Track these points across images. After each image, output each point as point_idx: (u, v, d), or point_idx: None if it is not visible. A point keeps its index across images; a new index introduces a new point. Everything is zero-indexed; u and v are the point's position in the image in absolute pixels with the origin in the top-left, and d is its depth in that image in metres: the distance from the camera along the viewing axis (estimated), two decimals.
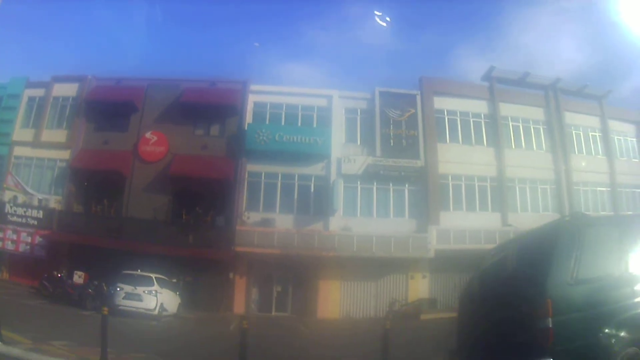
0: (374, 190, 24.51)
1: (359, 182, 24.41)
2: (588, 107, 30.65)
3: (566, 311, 4.99)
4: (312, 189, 24.17)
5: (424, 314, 23.08)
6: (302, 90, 25.57)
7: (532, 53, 63.90)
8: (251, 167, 24.19)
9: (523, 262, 5.96)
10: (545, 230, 5.98)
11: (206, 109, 24.75)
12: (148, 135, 24.68)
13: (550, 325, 4.91)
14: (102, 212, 24.21)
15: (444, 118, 26.42)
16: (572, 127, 29.73)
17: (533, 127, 28.54)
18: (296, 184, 24.20)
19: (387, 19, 27.25)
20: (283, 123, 24.88)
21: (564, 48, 62.78)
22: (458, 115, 26.70)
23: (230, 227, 22.94)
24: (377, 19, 26.25)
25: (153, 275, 18.63)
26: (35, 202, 24.38)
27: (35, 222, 23.88)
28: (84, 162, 24.51)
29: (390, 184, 24.63)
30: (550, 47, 63.85)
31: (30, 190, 24.63)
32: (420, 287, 24.47)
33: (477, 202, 25.79)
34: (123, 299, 17.54)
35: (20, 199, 24.50)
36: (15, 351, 8.44)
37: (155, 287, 18.25)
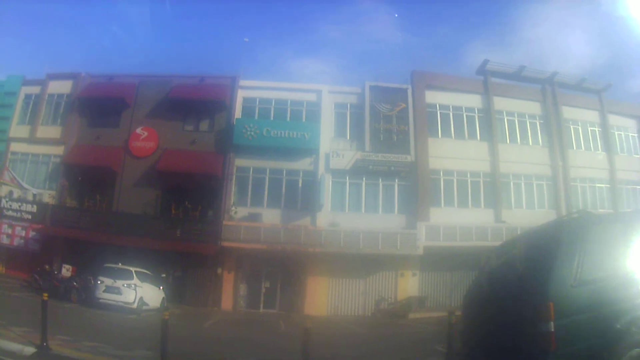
0: (362, 185, 23.68)
1: (347, 177, 23.62)
2: (587, 101, 29.26)
3: (569, 314, 4.73)
4: (300, 184, 23.46)
5: (412, 312, 22.23)
6: (292, 85, 24.90)
7: (536, 49, 62.19)
8: (239, 162, 23.59)
9: (526, 262, 5.67)
10: (549, 229, 5.71)
11: (195, 105, 24.27)
12: (139, 130, 24.31)
13: (552, 329, 4.66)
14: (94, 207, 23.89)
15: (436, 112, 25.41)
16: (570, 122, 28.41)
17: (529, 122, 27.31)
18: (284, 179, 23.52)
19: (395, 15, 26.44)
20: (272, 118, 24.21)
21: (570, 43, 60.88)
22: (451, 109, 25.66)
23: (218, 222, 22.40)
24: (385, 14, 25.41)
25: (133, 269, 18.13)
26: (30, 197, 24.21)
27: (30, 217, 23.68)
28: (76, 157, 24.30)
29: (380, 179, 23.76)
30: (555, 42, 62.04)
31: (25, 185, 24.49)
32: (410, 285, 23.58)
33: (470, 198, 24.74)
34: (103, 292, 17.26)
35: (16, 193, 24.39)
36: None
37: (135, 280, 17.79)
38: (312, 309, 22.59)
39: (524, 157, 26.25)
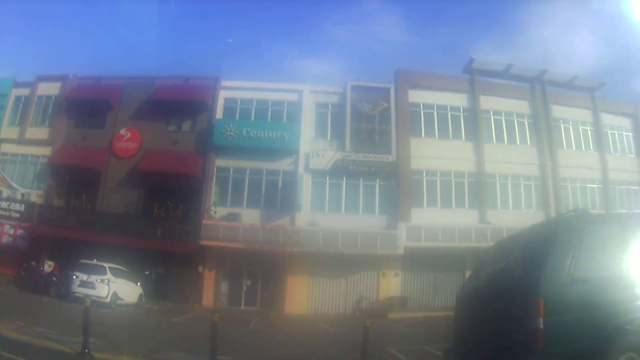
0: (343, 185, 23.02)
1: (327, 178, 22.97)
2: (579, 99, 28.07)
3: (560, 312, 4.53)
4: (280, 184, 22.92)
5: (392, 312, 21.49)
6: (273, 85, 24.29)
7: (540, 49, 60.48)
8: (220, 162, 23.17)
9: (520, 259, 5.42)
10: (545, 227, 5.56)
11: (178, 106, 23.93)
12: (122, 131, 24.08)
13: (542, 326, 4.46)
14: (80, 206, 23.74)
15: (420, 112, 24.57)
16: (561, 121, 27.29)
17: (517, 121, 26.27)
18: (264, 179, 23.00)
19: (398, 15, 25.81)
20: (253, 118, 23.71)
21: (575, 43, 59.10)
22: (435, 108, 24.80)
23: (197, 221, 22.02)
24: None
25: (107, 265, 18.21)
26: (19, 197, 24.18)
27: (18, 215, 23.67)
28: (62, 158, 24.22)
29: (361, 180, 23.07)
30: (559, 43, 60.31)
31: (14, 185, 24.43)
32: (392, 285, 22.92)
33: (454, 198, 23.87)
34: (78, 286, 17.45)
35: (5, 193, 24.33)
36: None
37: (108, 276, 17.89)
38: (292, 307, 22.14)
39: (511, 156, 25.24)
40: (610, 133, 28.55)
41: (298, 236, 21.61)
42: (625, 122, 28.98)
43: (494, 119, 25.70)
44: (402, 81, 24.49)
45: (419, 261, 22.62)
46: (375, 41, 66.48)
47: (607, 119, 28.40)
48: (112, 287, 17.76)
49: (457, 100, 25.20)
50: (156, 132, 23.85)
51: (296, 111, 23.71)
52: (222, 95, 24.04)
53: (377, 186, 23.15)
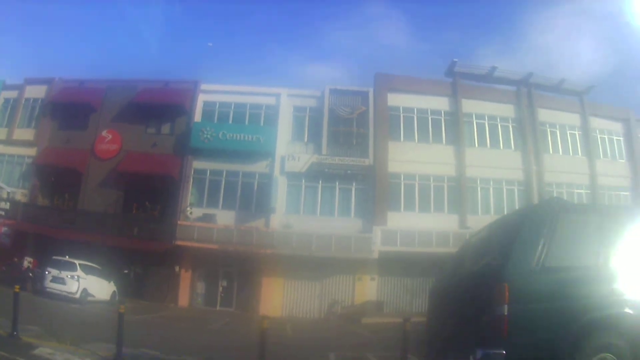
0: (319, 188, 22.53)
1: (303, 180, 22.49)
2: (567, 103, 27.12)
3: (528, 300, 4.18)
4: (256, 187, 22.55)
5: (367, 317, 20.89)
6: (252, 89, 23.92)
7: (544, 55, 59.15)
8: (197, 164, 22.92)
9: (489, 245, 5.19)
10: (518, 213, 5.36)
11: (158, 109, 23.74)
12: (104, 133, 24.04)
13: (506, 313, 4.11)
14: (62, 205, 23.79)
15: (399, 115, 23.95)
16: (548, 125, 26.39)
17: (501, 125, 25.46)
18: (240, 181, 22.66)
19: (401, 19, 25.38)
20: (231, 121, 23.41)
21: (578, 49, 57.58)
22: (415, 112, 24.16)
23: (173, 222, 21.81)
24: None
25: (77, 262, 18.28)
26: (4, 195, 24.26)
27: (3, 213, 23.69)
28: (46, 159, 24.31)
29: (337, 183, 22.55)
30: (563, 49, 58.87)
31: (1, 184, 24.54)
32: (367, 289, 22.31)
33: (432, 202, 23.17)
34: (50, 282, 17.62)
35: None
36: None
37: (79, 272, 17.92)
38: (267, 309, 21.54)
39: (494, 161, 24.43)
40: (600, 137, 27.52)
41: (272, 238, 21.20)
42: (616, 127, 27.94)
43: (476, 123, 24.92)
44: (381, 85, 23.91)
45: (395, 266, 21.95)
46: (378, 47, 65.85)
47: (596, 123, 27.40)
48: (82, 283, 17.81)
49: (439, 103, 24.51)
50: (136, 135, 23.75)
51: (274, 114, 23.33)
52: (201, 98, 23.81)
53: (353, 189, 22.61)
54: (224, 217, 22.02)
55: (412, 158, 23.16)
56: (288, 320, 20.16)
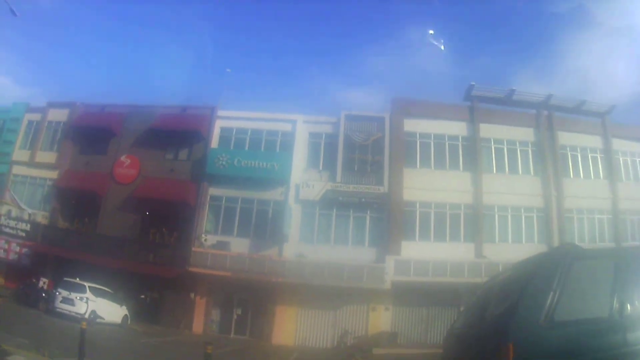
0: (333, 216, 22.11)
1: (317, 208, 22.11)
2: (588, 125, 25.99)
3: (535, 358, 3.86)
4: (270, 214, 22.24)
5: (378, 348, 20.47)
6: (268, 115, 23.60)
7: (588, 79, 57.16)
8: (213, 190, 22.74)
9: (498, 297, 4.83)
10: (529, 262, 4.82)
11: (176, 135, 23.68)
12: (123, 158, 24.14)
13: None
14: (82, 228, 23.95)
15: (416, 141, 23.31)
16: (568, 148, 25.35)
17: (520, 149, 24.57)
18: (255, 209, 22.39)
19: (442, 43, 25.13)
20: (247, 148, 23.15)
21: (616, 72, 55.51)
22: (432, 138, 23.48)
23: (187, 248, 21.75)
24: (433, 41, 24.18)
25: (87, 284, 18.61)
26: (26, 216, 24.64)
27: (24, 234, 24.17)
28: (67, 182, 24.59)
29: (351, 211, 22.09)
30: (604, 71, 56.88)
31: (23, 206, 24.92)
32: (382, 319, 21.68)
33: (448, 231, 22.47)
34: (60, 302, 18.01)
35: (14, 212, 24.86)
36: None
37: (88, 294, 18.22)
38: (280, 337, 21.51)
39: (512, 187, 23.56)
40: (623, 160, 26.35)
41: (284, 267, 20.90)
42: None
43: (494, 148, 24.11)
44: (398, 110, 23.32)
45: (410, 296, 21.36)
46: (417, 72, 64.69)
47: (619, 144, 26.21)
48: (90, 305, 18.11)
49: (456, 128, 23.79)
50: (155, 160, 23.77)
51: (290, 141, 22.99)
52: (219, 124, 23.63)
53: (367, 218, 22.13)
54: (238, 245, 21.82)
55: (428, 185, 22.55)
56: (296, 350, 19.98)
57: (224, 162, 22.27)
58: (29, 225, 24.13)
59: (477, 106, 24.27)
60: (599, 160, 25.70)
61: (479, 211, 22.75)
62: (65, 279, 18.78)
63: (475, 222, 22.64)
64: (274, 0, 63.71)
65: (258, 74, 70.71)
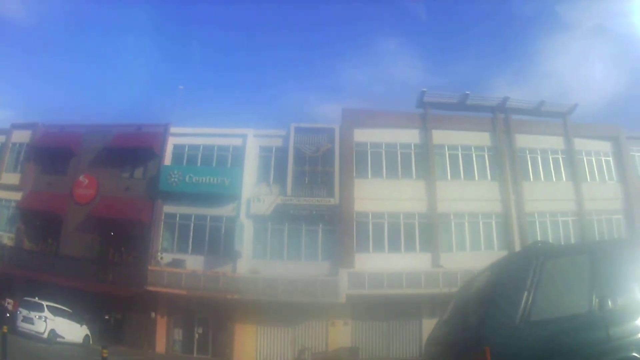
0: (285, 230, 21.89)
1: (269, 223, 21.91)
2: (548, 126, 25.43)
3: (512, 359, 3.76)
4: (223, 230, 22.08)
5: None
6: (219, 130, 23.43)
7: (557, 82, 56.12)
8: (167, 208, 22.67)
9: (475, 302, 4.65)
10: (501, 263, 4.71)
11: (131, 153, 23.66)
12: (81, 178, 24.15)
13: None
14: (45, 249, 24.05)
15: (367, 151, 22.96)
16: (527, 151, 24.85)
17: (476, 155, 24.09)
18: (208, 225, 22.27)
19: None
20: (199, 164, 23.03)
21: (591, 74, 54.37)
22: (383, 147, 23.11)
23: (144, 267, 21.70)
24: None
25: (45, 303, 18.56)
26: None
27: None
28: (30, 203, 24.61)
29: (303, 224, 21.84)
30: (575, 75, 55.78)
31: None
32: (341, 334, 21.26)
33: (403, 241, 22.07)
34: (21, 321, 17.95)
35: None
36: None
37: (46, 313, 18.19)
38: (242, 356, 21.24)
39: (469, 193, 23.15)
40: (587, 159, 25.69)
41: (238, 283, 20.74)
42: (605, 146, 26.00)
43: (449, 154, 23.67)
44: (348, 120, 22.97)
45: (369, 309, 20.88)
46: (393, 82, 64.11)
47: (582, 144, 25.61)
48: (49, 324, 18.05)
49: (408, 136, 23.39)
50: (111, 179, 23.76)
51: (240, 156, 22.80)
52: (172, 141, 23.52)
53: (319, 231, 21.87)
54: (194, 262, 21.72)
55: (380, 195, 22.19)
56: None
57: (176, 179, 22.19)
58: None
59: (429, 113, 23.82)
60: (561, 161, 25.12)
61: (434, 220, 22.34)
62: (25, 298, 18.84)
63: (430, 231, 22.23)
64: (231, 11, 63.60)
65: (216, 88, 70.84)
